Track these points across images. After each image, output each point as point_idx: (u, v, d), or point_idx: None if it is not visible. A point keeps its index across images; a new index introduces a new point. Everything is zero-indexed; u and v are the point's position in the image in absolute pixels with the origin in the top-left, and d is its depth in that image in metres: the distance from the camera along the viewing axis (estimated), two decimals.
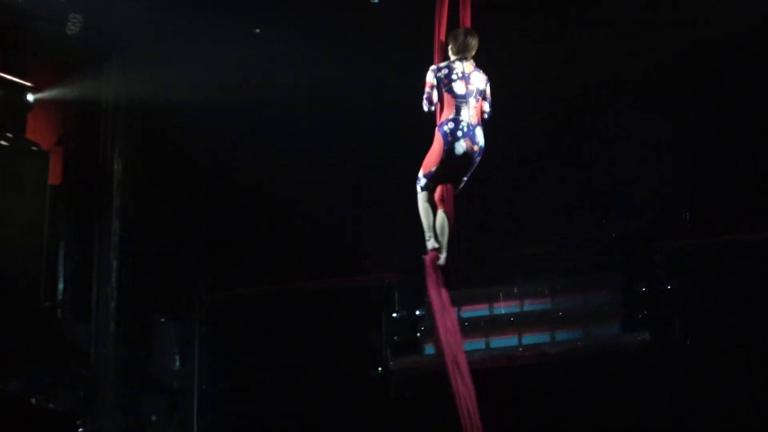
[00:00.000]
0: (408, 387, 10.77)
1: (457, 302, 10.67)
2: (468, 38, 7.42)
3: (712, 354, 10.35)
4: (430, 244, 7.45)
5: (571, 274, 10.97)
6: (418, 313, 11.18)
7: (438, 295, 7.47)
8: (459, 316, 10.40)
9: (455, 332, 7.46)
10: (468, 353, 9.25)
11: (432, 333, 9.90)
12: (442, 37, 7.51)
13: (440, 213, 7.51)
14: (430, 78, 7.34)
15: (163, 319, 11.15)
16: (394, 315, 11.24)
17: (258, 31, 10.63)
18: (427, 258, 7.46)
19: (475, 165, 7.35)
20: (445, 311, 7.48)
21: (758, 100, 10.70)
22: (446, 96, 7.32)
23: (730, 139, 10.80)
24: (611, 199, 11.10)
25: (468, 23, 7.51)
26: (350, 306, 11.28)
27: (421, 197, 7.48)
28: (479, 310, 10.91)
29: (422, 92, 7.35)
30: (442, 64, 7.39)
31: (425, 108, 7.36)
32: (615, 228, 11.16)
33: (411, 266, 11.12)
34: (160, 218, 11.13)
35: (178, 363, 11.20)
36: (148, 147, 11.07)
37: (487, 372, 9.37)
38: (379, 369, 11.08)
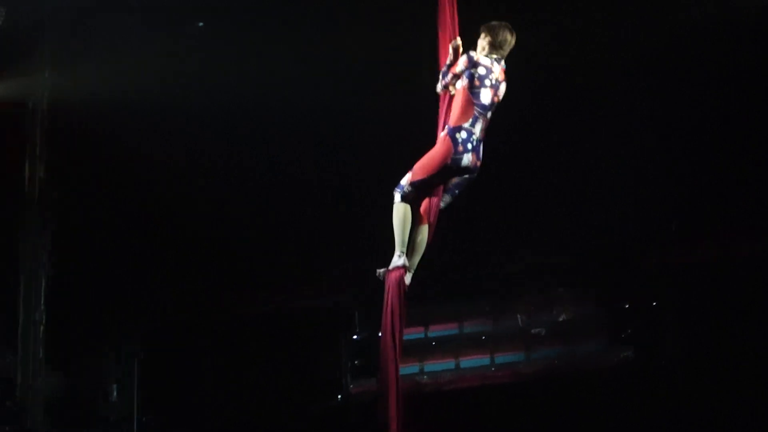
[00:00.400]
0: (369, 412, 10.20)
1: (424, 321, 10.30)
2: (508, 34, 6.72)
3: (697, 372, 10.02)
4: (400, 261, 6.56)
5: (549, 291, 10.62)
6: (380, 334, 10.60)
7: (392, 319, 6.57)
8: (426, 335, 10.09)
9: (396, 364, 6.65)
10: (437, 374, 8.87)
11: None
12: (456, 34, 6.73)
13: (422, 228, 6.71)
14: (462, 65, 6.59)
15: (98, 346, 10.49)
16: (355, 337, 10.74)
17: (201, 24, 10.10)
18: (392, 275, 6.53)
19: (470, 183, 6.71)
20: (394, 342, 6.61)
21: (745, 114, 10.41)
22: (467, 98, 6.58)
23: (716, 154, 10.53)
24: (594, 212, 10.67)
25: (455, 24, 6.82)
26: (306, 329, 10.76)
27: (400, 207, 6.65)
28: (448, 330, 10.50)
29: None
30: (484, 60, 6.63)
31: (438, 88, 6.68)
32: (598, 243, 10.74)
33: (371, 285, 10.92)
34: (93, 236, 10.53)
35: (115, 393, 10.57)
36: (76, 153, 10.38)
37: (458, 393, 8.85)
38: (339, 396, 10.57)
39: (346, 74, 10.24)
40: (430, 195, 6.70)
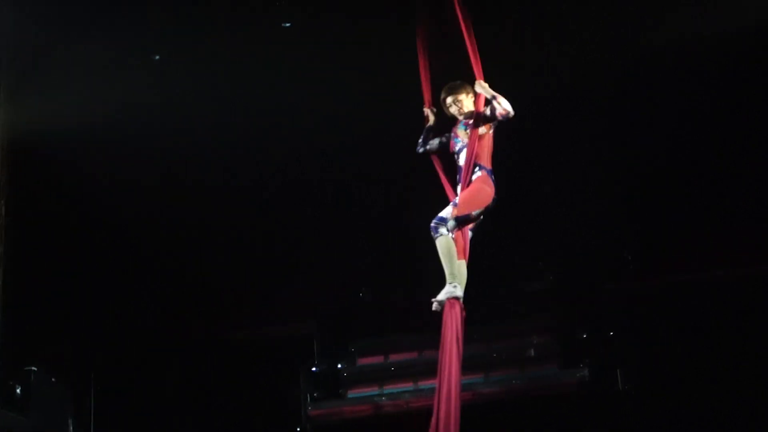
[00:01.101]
0: None
1: (384, 350, 10.23)
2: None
3: (654, 400, 10.08)
4: (457, 291, 6.70)
5: (507, 319, 10.58)
6: (339, 366, 10.53)
7: (456, 350, 6.62)
8: (386, 361, 10.06)
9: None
10: (395, 395, 8.77)
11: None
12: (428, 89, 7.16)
13: (463, 262, 6.94)
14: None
15: (53, 378, 10.16)
16: (314, 369, 10.56)
17: (157, 57, 10.06)
18: (454, 308, 6.64)
19: None
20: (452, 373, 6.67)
21: (702, 137, 10.56)
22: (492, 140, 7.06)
23: (673, 178, 10.71)
24: (549, 239, 10.83)
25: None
26: (262, 360, 10.67)
27: (446, 240, 6.81)
28: (408, 358, 10.39)
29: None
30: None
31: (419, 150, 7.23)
32: (553, 270, 10.86)
33: (331, 313, 10.87)
34: (47, 261, 10.29)
35: (71, 427, 10.15)
36: (34, 185, 10.19)
37: (416, 414, 8.76)
38: (297, 429, 10.36)
39: (310, 101, 10.30)
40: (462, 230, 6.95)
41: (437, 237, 6.81)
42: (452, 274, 6.75)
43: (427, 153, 7.11)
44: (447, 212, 6.84)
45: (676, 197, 10.76)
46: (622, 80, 10.36)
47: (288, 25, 9.99)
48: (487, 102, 6.89)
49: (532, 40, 10.19)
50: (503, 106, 6.82)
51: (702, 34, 9.87)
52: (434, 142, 7.12)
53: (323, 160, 10.79)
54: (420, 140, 7.12)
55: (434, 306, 6.71)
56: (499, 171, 10.58)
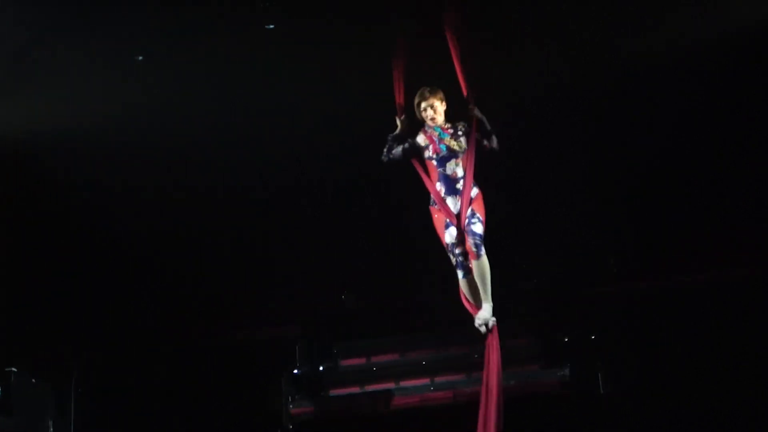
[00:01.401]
0: None
1: (366, 353, 10.23)
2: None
3: (635, 404, 9.97)
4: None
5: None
6: (321, 368, 10.48)
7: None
8: (368, 362, 10.02)
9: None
10: (377, 394, 8.78)
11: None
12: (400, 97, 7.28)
13: None
14: None
15: (34, 380, 10.09)
16: (295, 372, 10.46)
17: (140, 58, 10.02)
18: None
19: None
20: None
21: (682, 141, 10.60)
22: None
23: (655, 180, 10.71)
24: (531, 242, 10.81)
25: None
26: (243, 364, 10.46)
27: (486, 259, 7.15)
28: (390, 360, 10.40)
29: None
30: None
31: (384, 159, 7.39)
32: (534, 273, 10.85)
33: (314, 317, 10.83)
34: (25, 261, 10.31)
35: (51, 429, 10.12)
36: (11, 185, 10.24)
37: (398, 413, 8.77)
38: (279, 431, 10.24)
39: (296, 104, 10.35)
40: None
41: (481, 256, 7.00)
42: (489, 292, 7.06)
43: (391, 161, 7.22)
44: (480, 229, 7.02)
45: (660, 202, 10.78)
46: (622, 80, 10.42)
47: (272, 27, 10.01)
48: (479, 127, 7.10)
49: (532, 40, 10.22)
50: (494, 141, 7.18)
51: (702, 34, 9.95)
52: (398, 150, 7.21)
53: (312, 164, 10.83)
54: (385, 150, 7.20)
55: (483, 327, 7.03)
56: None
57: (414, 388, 9.86)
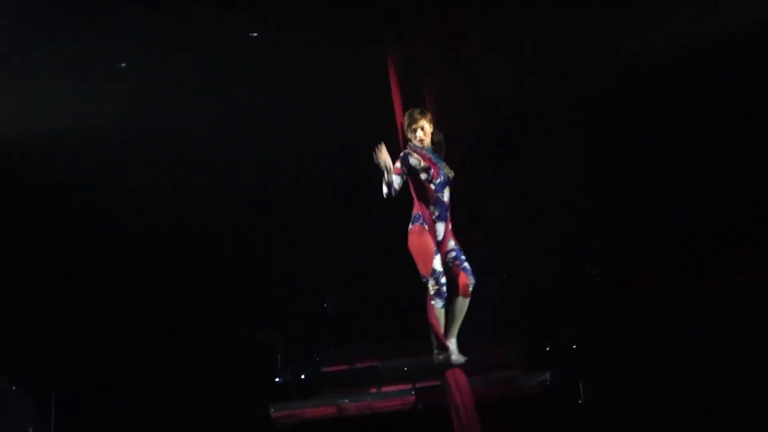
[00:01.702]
0: None
1: (348, 359, 10.22)
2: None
3: (617, 413, 9.87)
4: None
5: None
6: (303, 377, 10.43)
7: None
8: (350, 368, 10.10)
9: None
10: (358, 397, 8.76)
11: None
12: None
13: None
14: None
15: (14, 387, 10.04)
16: (277, 380, 10.43)
17: (124, 65, 10.08)
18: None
19: None
20: None
21: (682, 142, 10.63)
22: None
23: (655, 180, 10.73)
24: (519, 249, 10.83)
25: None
26: (243, 364, 10.47)
27: None
28: (370, 365, 10.36)
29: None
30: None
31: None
32: (520, 280, 10.83)
33: (296, 321, 10.84)
34: (24, 262, 10.43)
35: None
36: (11, 185, 10.38)
37: (379, 415, 8.85)
38: None
39: (296, 104, 10.44)
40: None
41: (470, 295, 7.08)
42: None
43: (396, 194, 7.27)
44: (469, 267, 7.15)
45: (642, 210, 10.82)
46: (622, 80, 10.47)
47: (255, 34, 10.08)
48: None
49: (532, 40, 10.30)
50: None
51: (702, 34, 10.01)
52: (398, 181, 7.20)
53: (312, 164, 10.88)
54: (386, 190, 7.15)
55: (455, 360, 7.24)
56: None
57: (395, 393, 9.83)
